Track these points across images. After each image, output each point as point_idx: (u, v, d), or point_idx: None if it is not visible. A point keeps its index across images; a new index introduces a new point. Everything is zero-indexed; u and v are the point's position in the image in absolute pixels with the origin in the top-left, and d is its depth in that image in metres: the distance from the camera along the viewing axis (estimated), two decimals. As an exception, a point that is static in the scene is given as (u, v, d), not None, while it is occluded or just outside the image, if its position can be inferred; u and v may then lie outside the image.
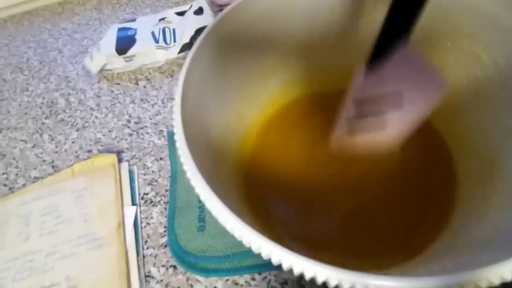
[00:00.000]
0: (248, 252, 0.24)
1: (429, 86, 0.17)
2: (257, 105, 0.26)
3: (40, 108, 0.38)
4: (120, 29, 0.39)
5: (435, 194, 0.23)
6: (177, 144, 0.16)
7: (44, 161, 0.33)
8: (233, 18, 0.22)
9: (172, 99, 0.35)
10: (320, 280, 0.12)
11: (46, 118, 0.37)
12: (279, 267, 0.23)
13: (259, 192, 0.24)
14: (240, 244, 0.24)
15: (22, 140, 0.35)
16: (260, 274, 0.24)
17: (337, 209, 0.24)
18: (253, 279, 0.24)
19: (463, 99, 0.22)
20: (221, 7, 0.37)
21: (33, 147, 0.34)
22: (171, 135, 0.31)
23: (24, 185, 0.31)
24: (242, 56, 0.24)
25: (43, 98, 0.38)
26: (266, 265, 0.24)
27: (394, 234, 0.22)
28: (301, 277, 0.23)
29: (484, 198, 0.19)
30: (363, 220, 0.23)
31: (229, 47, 0.22)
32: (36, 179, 0.32)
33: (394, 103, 0.18)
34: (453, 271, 0.11)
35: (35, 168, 0.33)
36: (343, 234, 0.23)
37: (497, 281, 0.11)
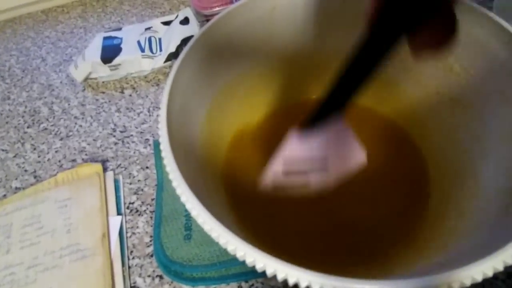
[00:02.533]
0: (235, 260, 0.24)
1: (350, 157, 0.19)
2: (241, 114, 0.27)
3: (22, 117, 0.37)
4: (105, 38, 0.39)
5: (408, 200, 0.23)
6: (163, 154, 0.17)
7: (26, 171, 0.32)
8: (218, 29, 0.22)
9: (158, 107, 0.35)
10: (303, 285, 0.12)
11: (28, 127, 0.36)
12: (265, 274, 0.23)
13: (244, 200, 0.25)
14: (226, 252, 0.24)
15: (3, 150, 0.34)
16: (247, 282, 0.24)
17: (313, 214, 0.24)
18: (240, 287, 0.24)
19: (438, 108, 0.23)
20: (207, 17, 0.37)
21: (14, 156, 0.34)
22: (157, 144, 0.31)
23: (4, 196, 0.31)
24: (226, 66, 0.24)
25: (25, 107, 0.38)
26: (252, 273, 0.24)
27: (371, 238, 0.22)
28: (287, 284, 0.23)
29: (456, 205, 0.20)
30: (340, 224, 0.23)
31: (214, 57, 0.22)
32: (17, 189, 0.31)
33: (319, 167, 0.20)
34: (425, 273, 0.11)
35: (16, 178, 0.32)
36: (321, 237, 0.23)
37: (468, 282, 0.11)
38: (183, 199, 0.15)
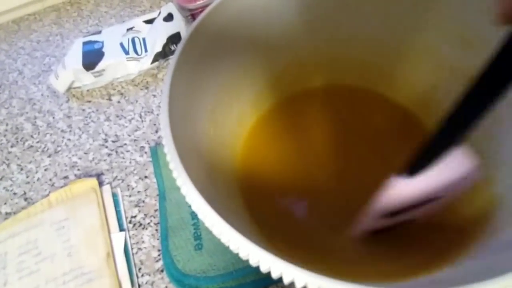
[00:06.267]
0: (251, 266, 0.23)
1: (463, 177, 0.15)
2: (245, 110, 0.25)
3: (4, 135, 0.34)
4: (85, 43, 0.36)
5: None
6: (168, 158, 0.15)
7: (15, 194, 0.30)
8: (212, 22, 0.20)
9: (149, 112, 0.33)
10: None
11: (12, 146, 0.33)
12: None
13: (256, 200, 0.23)
14: (241, 259, 0.23)
15: (-13, 174, 0.32)
16: (266, 287, 0.23)
17: (331, 213, 0.23)
18: (260, 294, 0.22)
19: (451, 87, 0.22)
20: (191, 12, 0.35)
21: (0, 179, 0.31)
22: (154, 151, 0.30)
23: (-5, 223, 0.28)
24: (224, 62, 0.22)
25: (7, 125, 0.35)
26: (270, 278, 0.22)
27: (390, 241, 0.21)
28: None
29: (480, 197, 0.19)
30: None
31: (210, 53, 0.21)
32: (8, 215, 0.29)
33: (431, 207, 0.16)
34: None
35: (5, 203, 0.30)
36: (339, 238, 0.22)
37: None
38: (194, 207, 0.14)
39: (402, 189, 0.16)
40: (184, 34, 0.35)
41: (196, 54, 0.20)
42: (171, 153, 0.15)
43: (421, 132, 0.24)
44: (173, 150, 0.15)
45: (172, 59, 0.18)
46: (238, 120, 0.25)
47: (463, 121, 0.13)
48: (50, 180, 0.30)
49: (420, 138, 0.24)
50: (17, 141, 0.34)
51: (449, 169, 0.15)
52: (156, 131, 0.32)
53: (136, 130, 0.32)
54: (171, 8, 0.36)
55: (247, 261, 0.24)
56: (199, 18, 0.20)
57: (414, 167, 0.16)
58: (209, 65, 0.21)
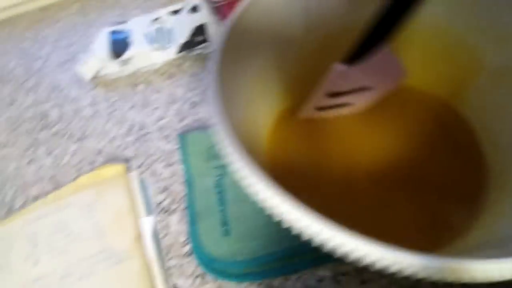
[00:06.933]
0: (280, 251, 0.23)
1: (392, 74, 0.21)
2: (278, 98, 0.25)
3: (32, 121, 0.35)
4: (112, 32, 0.37)
5: (465, 187, 0.22)
6: (224, 145, 0.16)
7: (43, 177, 0.31)
8: (251, 13, 0.21)
9: (174, 101, 0.34)
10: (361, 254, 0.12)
11: (39, 131, 0.34)
12: (312, 264, 0.23)
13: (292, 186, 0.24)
14: (270, 244, 0.23)
15: (15, 157, 0.33)
16: (295, 273, 0.23)
17: (365, 196, 0.23)
18: (288, 279, 0.23)
19: (485, 80, 0.22)
20: (217, 3, 0.36)
21: (28, 163, 0.32)
22: (182, 139, 0.30)
23: (24, 204, 0.29)
24: (257, 55, 0.23)
25: (34, 111, 0.36)
26: (299, 264, 0.23)
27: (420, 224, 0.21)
28: (337, 272, 0.22)
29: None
30: (391, 208, 0.22)
31: (245, 46, 0.21)
32: (36, 197, 0.29)
33: (362, 91, 0.22)
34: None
35: (33, 186, 0.30)
36: (371, 222, 0.22)
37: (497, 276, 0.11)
38: (261, 196, 0.14)
39: (341, 73, 0.20)
40: (210, 26, 0.35)
41: (234, 48, 0.20)
42: (228, 143, 0.15)
43: (458, 123, 0.25)
44: (230, 137, 0.15)
45: (214, 52, 0.18)
46: (269, 112, 0.25)
47: (385, 25, 0.18)
48: (77, 164, 0.31)
49: (453, 128, 0.24)
50: (44, 127, 0.34)
51: (377, 64, 0.20)
52: (181, 120, 0.32)
53: (161, 119, 0.33)
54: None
55: (274, 246, 0.24)
56: (237, 13, 0.20)
57: (351, 58, 0.20)
58: (243, 59, 0.21)
